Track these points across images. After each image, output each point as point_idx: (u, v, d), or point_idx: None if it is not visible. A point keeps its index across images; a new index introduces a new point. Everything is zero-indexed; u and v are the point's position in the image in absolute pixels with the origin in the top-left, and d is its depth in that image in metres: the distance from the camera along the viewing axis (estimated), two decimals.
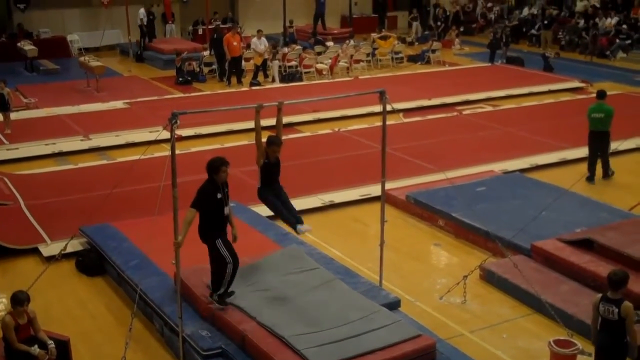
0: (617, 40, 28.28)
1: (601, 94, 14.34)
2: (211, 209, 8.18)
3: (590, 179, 14.20)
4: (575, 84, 23.10)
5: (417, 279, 10.55)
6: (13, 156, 16.14)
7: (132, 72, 25.79)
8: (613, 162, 14.59)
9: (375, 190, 12.39)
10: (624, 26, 28.60)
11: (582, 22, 30.26)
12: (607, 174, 14.40)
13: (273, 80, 23.89)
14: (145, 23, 28.08)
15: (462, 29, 33.02)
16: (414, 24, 32.61)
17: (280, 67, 24.41)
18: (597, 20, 29.74)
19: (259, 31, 24.00)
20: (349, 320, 8.17)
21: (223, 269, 8.30)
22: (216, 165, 8.23)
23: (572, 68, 25.85)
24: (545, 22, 30.67)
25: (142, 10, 27.87)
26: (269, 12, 30.84)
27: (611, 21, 29.39)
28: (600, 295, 7.35)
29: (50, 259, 10.30)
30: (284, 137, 8.95)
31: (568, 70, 25.28)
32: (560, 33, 30.30)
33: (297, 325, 8.08)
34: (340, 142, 16.91)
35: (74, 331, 8.86)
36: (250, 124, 9.29)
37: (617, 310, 7.09)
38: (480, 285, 10.28)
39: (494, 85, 22.53)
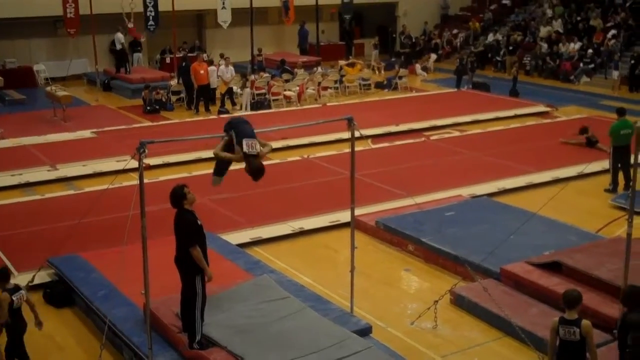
0: (581, 65, 28.77)
1: (622, 111, 15.35)
2: (200, 239, 8.16)
3: (614, 189, 15.05)
4: (541, 108, 23.41)
5: (388, 305, 10.55)
6: None
7: (99, 101, 25.64)
8: (578, 185, 14.74)
9: (344, 216, 12.37)
10: (590, 51, 29.08)
11: (545, 47, 30.74)
12: (629, 186, 14.72)
13: (241, 108, 23.85)
14: (124, 48, 27.84)
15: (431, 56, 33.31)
16: (374, 52, 32.89)
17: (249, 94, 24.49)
18: (560, 45, 30.24)
19: (226, 58, 24.02)
20: (320, 347, 8.15)
21: (192, 305, 8.24)
22: (180, 192, 8.18)
23: (537, 93, 26.22)
24: (510, 47, 31.13)
25: (120, 35, 27.53)
26: (237, 41, 30.89)
27: (574, 46, 29.90)
28: (557, 318, 7.36)
29: None
30: None
31: (533, 95, 25.64)
32: (525, 58, 30.74)
33: (269, 354, 8.04)
34: (309, 169, 16.92)
35: None
36: None
37: (578, 330, 7.14)
38: (451, 310, 10.30)
39: (460, 110, 22.71)
